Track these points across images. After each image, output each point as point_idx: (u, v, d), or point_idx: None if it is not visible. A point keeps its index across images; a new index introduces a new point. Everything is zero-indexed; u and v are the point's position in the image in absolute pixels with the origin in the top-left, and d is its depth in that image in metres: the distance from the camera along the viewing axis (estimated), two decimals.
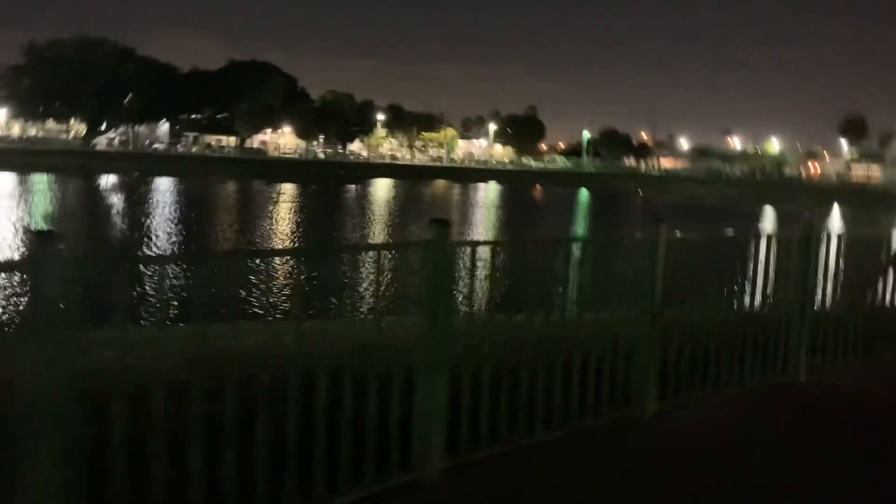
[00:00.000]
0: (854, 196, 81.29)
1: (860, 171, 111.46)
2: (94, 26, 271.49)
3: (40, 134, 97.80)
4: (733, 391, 5.56)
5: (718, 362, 5.44)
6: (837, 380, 6.29)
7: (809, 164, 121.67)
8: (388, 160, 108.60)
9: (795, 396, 5.91)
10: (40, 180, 55.66)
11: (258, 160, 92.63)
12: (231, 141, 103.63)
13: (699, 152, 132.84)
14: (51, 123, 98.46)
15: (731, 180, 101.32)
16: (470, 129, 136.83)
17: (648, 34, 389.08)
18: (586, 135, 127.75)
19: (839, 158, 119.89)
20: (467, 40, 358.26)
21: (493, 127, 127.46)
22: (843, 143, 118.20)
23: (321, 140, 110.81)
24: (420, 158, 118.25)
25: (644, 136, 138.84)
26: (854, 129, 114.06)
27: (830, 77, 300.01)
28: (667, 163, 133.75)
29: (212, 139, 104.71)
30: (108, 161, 77.31)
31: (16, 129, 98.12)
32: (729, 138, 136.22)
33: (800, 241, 6.03)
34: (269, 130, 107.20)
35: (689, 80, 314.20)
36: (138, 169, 69.89)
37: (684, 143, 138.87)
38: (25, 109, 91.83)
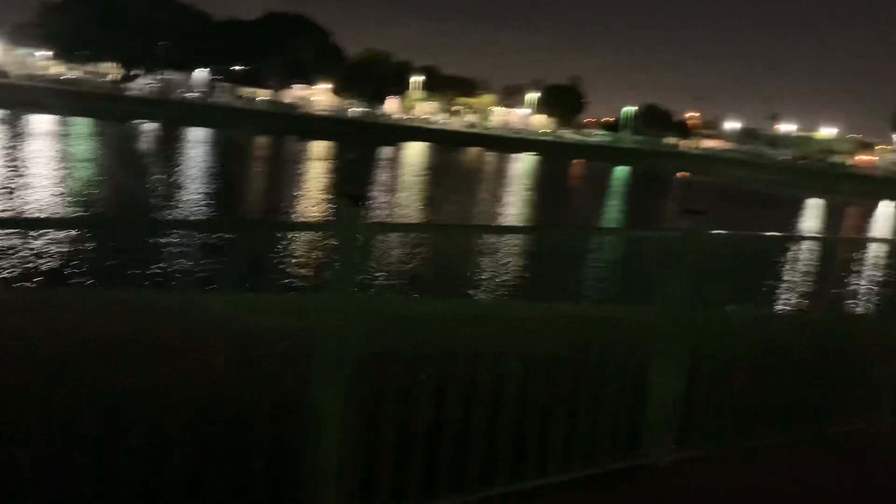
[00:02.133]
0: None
1: None
2: None
3: (76, 75, 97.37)
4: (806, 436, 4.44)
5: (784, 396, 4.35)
6: None
7: (860, 154, 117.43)
8: (423, 125, 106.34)
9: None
10: (81, 122, 55.05)
11: (290, 115, 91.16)
12: (264, 94, 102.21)
13: (746, 134, 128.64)
14: (87, 66, 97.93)
15: (774, 164, 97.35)
16: (512, 96, 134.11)
17: (703, 16, 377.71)
18: (626, 110, 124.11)
19: (891, 152, 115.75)
20: (519, 6, 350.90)
21: (533, 95, 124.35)
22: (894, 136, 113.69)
23: (357, 100, 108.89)
24: (456, 123, 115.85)
25: (691, 114, 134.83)
26: None
27: (888, 70, 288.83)
28: (711, 143, 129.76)
29: (246, 91, 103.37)
30: (146, 106, 76.41)
31: (52, 69, 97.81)
32: (777, 124, 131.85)
33: None
34: (301, 85, 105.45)
35: (738, 64, 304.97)
36: (168, 117, 68.69)
37: (730, 125, 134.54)
38: (60, 50, 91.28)
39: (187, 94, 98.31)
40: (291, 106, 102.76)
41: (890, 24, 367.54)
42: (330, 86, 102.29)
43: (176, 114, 72.73)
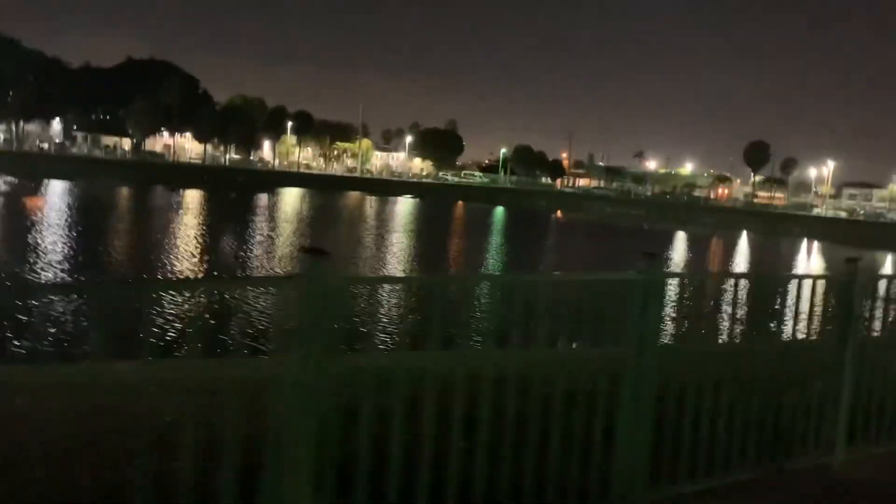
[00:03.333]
0: (754, 217, 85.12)
1: (764, 195, 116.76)
2: None
3: None
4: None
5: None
6: None
7: (718, 188, 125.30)
8: (301, 169, 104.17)
9: None
10: None
11: (158, 164, 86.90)
12: (128, 143, 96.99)
13: (613, 172, 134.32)
14: None
15: (639, 200, 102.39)
16: (390, 140, 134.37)
17: (573, 59, 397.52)
18: (503, 152, 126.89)
19: (745, 184, 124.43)
20: (392, 52, 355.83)
21: (410, 139, 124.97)
22: (749, 170, 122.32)
23: (230, 147, 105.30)
24: (335, 169, 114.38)
25: (563, 154, 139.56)
26: (757, 154, 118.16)
27: (739, 108, 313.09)
28: (583, 182, 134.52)
29: (108, 140, 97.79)
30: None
31: None
32: (643, 160, 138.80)
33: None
34: (167, 133, 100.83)
35: (607, 107, 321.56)
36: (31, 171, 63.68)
37: (601, 164, 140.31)
38: None
39: (44, 145, 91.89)
40: (160, 155, 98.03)
41: (744, 66, 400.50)
42: (200, 132, 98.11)
43: (33, 166, 68.00)
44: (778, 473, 4.57)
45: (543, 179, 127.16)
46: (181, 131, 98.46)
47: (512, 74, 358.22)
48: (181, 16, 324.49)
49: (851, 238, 66.78)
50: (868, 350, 4.98)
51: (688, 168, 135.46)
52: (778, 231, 74.23)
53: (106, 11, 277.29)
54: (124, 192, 59.90)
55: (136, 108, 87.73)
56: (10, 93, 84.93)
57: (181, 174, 78.77)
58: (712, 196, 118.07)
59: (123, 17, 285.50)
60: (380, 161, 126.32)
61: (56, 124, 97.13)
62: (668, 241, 53.58)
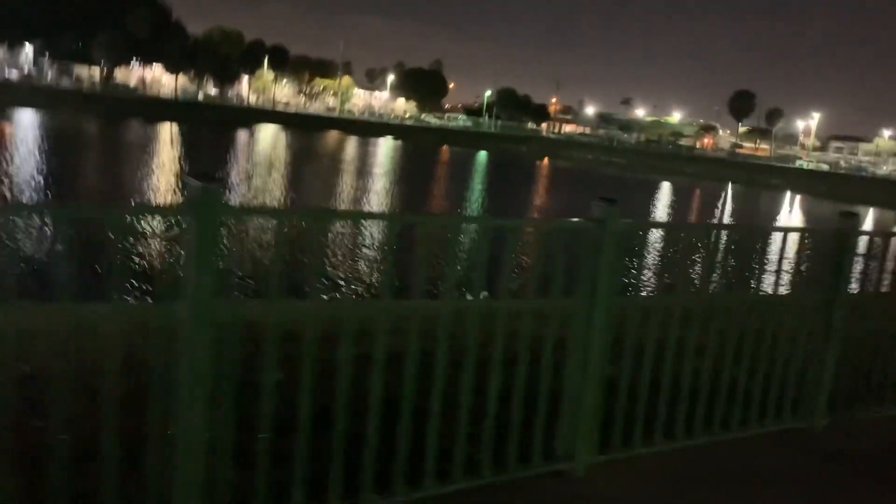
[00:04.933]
0: (737, 168, 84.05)
1: (749, 146, 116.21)
2: None
3: None
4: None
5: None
6: None
7: (704, 138, 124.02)
8: (280, 107, 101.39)
9: None
10: None
11: (132, 97, 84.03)
12: (95, 73, 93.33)
13: (602, 118, 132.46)
14: None
15: (623, 148, 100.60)
16: (374, 80, 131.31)
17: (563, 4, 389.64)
18: (488, 94, 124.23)
19: (733, 133, 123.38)
20: None
21: (392, 78, 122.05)
22: (734, 119, 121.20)
23: (206, 81, 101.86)
24: (316, 106, 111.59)
25: (553, 100, 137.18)
26: (743, 104, 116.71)
27: (728, 56, 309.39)
28: (570, 128, 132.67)
29: (81, 70, 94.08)
30: None
31: None
32: (631, 108, 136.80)
33: None
34: (145, 65, 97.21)
35: (597, 51, 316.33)
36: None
37: (589, 110, 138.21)
38: None
39: (11, 73, 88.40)
40: (132, 89, 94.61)
41: (731, 19, 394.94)
42: (171, 65, 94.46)
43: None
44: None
45: (529, 125, 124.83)
46: (152, 63, 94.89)
47: (502, 18, 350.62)
48: None
49: (832, 192, 66.21)
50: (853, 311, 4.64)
51: (676, 117, 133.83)
52: (758, 183, 73.46)
53: None
54: (89, 126, 57.68)
55: (103, 37, 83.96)
56: None
57: (151, 108, 76.28)
58: (697, 146, 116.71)
59: None
60: (361, 101, 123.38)
61: (25, 51, 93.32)
62: (646, 191, 52.52)
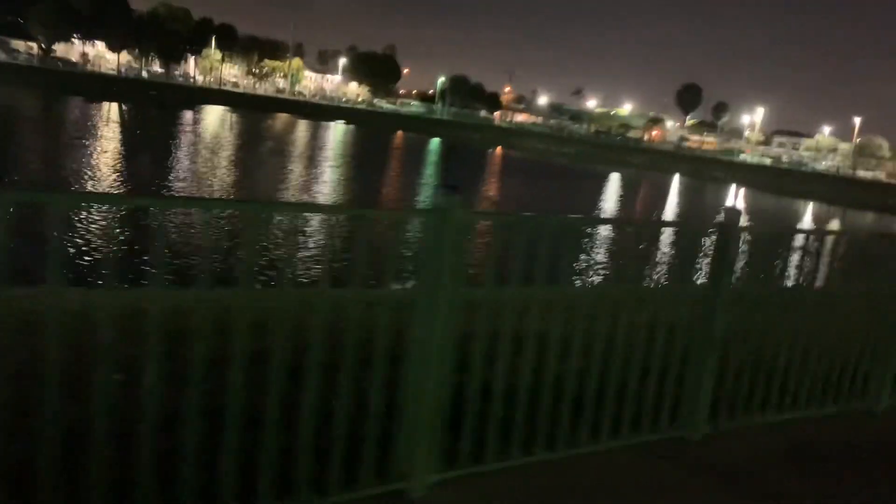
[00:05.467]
0: (684, 161, 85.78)
1: (695, 138, 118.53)
2: None
3: None
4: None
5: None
6: None
7: (653, 129, 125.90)
8: (228, 87, 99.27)
9: None
10: None
11: (73, 72, 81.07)
12: (34, 48, 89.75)
13: (553, 108, 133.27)
14: None
15: (573, 139, 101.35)
16: (326, 62, 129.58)
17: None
18: (441, 81, 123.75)
19: (679, 126, 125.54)
20: None
21: (344, 61, 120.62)
22: (681, 112, 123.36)
23: (151, 59, 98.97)
24: (264, 89, 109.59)
25: (506, 90, 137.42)
26: (690, 97, 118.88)
27: (676, 51, 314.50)
28: (523, 118, 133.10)
29: (18, 45, 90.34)
30: None
31: None
32: (582, 99, 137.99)
33: None
34: (86, 41, 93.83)
35: (552, 41, 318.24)
36: None
37: (541, 101, 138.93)
38: None
39: None
40: (73, 62, 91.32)
41: (681, 13, 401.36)
42: (112, 41, 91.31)
43: None
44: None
45: (482, 113, 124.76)
46: (92, 38, 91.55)
47: (459, 3, 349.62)
48: None
49: (772, 185, 68.00)
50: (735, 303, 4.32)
51: (626, 108, 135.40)
52: (704, 176, 74.88)
53: None
54: (27, 102, 55.50)
55: (39, 8, 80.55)
56: None
57: (92, 84, 73.82)
58: (646, 138, 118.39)
59: None
60: (313, 83, 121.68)
61: None
62: (595, 181, 53.02)
